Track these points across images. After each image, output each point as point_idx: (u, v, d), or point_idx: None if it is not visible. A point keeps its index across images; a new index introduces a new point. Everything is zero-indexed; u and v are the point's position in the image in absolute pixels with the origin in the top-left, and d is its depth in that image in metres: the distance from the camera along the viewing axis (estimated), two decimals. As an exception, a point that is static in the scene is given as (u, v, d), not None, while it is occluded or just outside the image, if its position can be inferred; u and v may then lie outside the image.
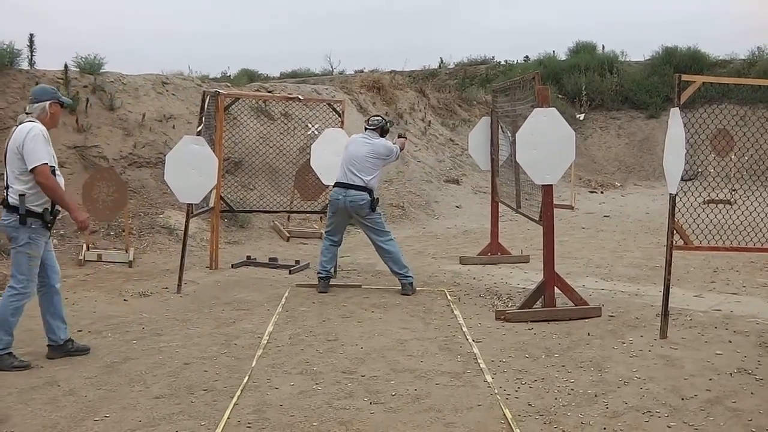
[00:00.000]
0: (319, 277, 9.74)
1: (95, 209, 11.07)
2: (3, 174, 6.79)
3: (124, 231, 11.56)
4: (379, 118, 10.08)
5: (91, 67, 14.93)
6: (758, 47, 28.52)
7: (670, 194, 7.21)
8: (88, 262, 10.84)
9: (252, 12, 78.27)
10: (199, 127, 9.96)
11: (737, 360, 6.55)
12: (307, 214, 14.25)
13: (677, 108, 7.13)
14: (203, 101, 10.34)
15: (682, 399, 5.65)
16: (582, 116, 26.32)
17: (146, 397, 5.80)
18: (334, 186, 9.78)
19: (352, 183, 9.49)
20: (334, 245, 9.88)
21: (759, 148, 9.01)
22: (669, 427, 5.14)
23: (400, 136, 10.77)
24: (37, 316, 8.27)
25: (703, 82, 7.53)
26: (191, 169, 9.42)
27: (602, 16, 73.65)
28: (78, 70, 14.81)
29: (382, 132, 9.87)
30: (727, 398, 5.65)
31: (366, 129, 9.90)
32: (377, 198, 9.70)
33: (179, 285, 9.60)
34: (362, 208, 9.49)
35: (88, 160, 13.11)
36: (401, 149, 10.27)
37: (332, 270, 10.04)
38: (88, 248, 11.06)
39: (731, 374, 6.19)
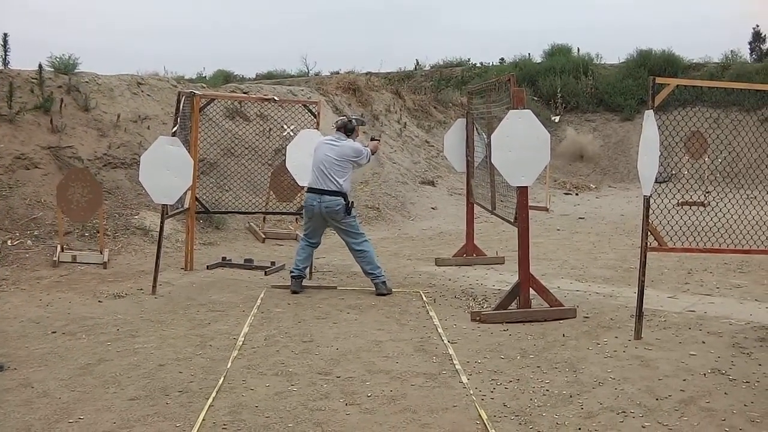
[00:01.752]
0: (291, 276, 9.74)
1: (70, 210, 11.02)
2: None
3: (98, 232, 11.50)
4: (344, 117, 9.99)
5: (65, 67, 14.83)
6: (732, 51, 28.77)
7: (645, 196, 7.24)
8: (62, 263, 10.77)
9: (227, 13, 78.13)
10: (174, 128, 9.93)
11: (711, 360, 6.59)
12: (283, 216, 14.23)
13: (651, 110, 7.16)
14: (178, 102, 10.31)
15: (657, 399, 5.68)
16: (557, 118, 26.42)
17: (121, 398, 5.78)
18: (307, 191, 9.71)
19: (326, 188, 9.42)
20: (310, 245, 9.84)
21: (732, 150, 9.11)
22: (643, 427, 5.17)
23: (373, 139, 10.65)
24: (11, 318, 8.30)
25: (677, 85, 7.57)
26: (166, 170, 9.39)
27: (577, 20, 74.01)
28: (52, 70, 14.72)
29: (347, 131, 9.72)
30: (701, 398, 5.68)
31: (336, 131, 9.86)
32: (352, 201, 9.60)
33: (154, 286, 9.56)
34: (338, 213, 9.43)
35: (63, 160, 13.04)
36: (373, 152, 10.22)
37: (306, 270, 9.94)
38: (62, 249, 10.99)
39: (705, 375, 6.22)
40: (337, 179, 9.42)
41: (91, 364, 6.64)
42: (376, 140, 10.68)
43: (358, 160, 9.68)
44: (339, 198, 9.41)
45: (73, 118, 13.93)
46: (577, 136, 25.65)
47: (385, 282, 9.51)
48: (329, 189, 9.40)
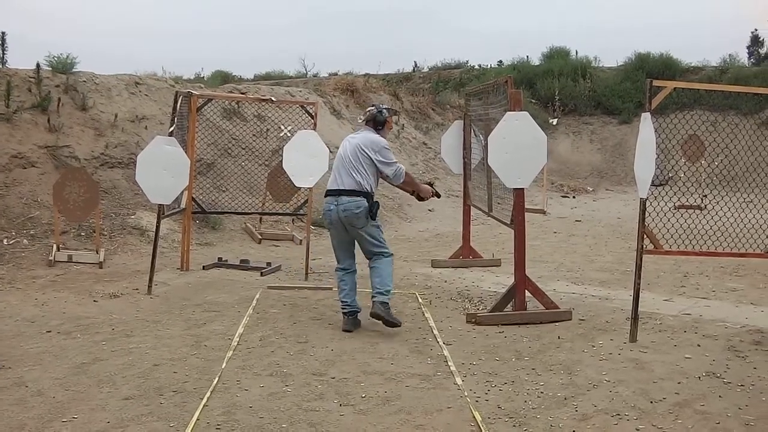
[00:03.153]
0: (343, 312, 8.03)
1: (66, 210, 11.01)
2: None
3: (94, 232, 11.49)
4: (372, 108, 8.19)
5: (63, 67, 14.83)
6: (730, 55, 28.85)
7: (641, 199, 7.25)
8: (58, 263, 10.76)
9: (226, 14, 78.16)
10: (171, 128, 9.92)
11: (706, 364, 6.59)
12: (279, 216, 14.20)
13: (648, 113, 7.17)
14: (176, 102, 10.29)
15: (651, 402, 5.67)
16: (555, 121, 26.44)
17: (115, 398, 5.77)
18: (325, 196, 8.00)
19: (343, 187, 7.76)
20: (347, 273, 8.06)
21: (729, 153, 9.12)
22: (638, 429, 5.16)
23: (430, 184, 8.81)
24: (6, 317, 8.31)
25: (675, 88, 7.58)
26: (163, 169, 9.38)
27: (576, 23, 74.08)
28: (50, 69, 14.72)
29: (376, 124, 8.04)
30: (696, 401, 5.68)
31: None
32: (377, 202, 7.88)
33: (150, 286, 9.55)
34: (358, 218, 7.69)
35: (60, 160, 13.03)
36: (421, 197, 8.62)
37: (355, 302, 8.04)
38: (58, 249, 10.98)
39: (700, 378, 6.22)
40: (356, 175, 7.75)
41: (86, 363, 6.63)
42: (430, 186, 8.73)
43: (377, 156, 7.86)
44: (360, 198, 7.69)
45: (70, 118, 13.93)
46: (571, 152, 25.72)
47: (385, 303, 7.70)
48: (347, 188, 7.75)
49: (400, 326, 7.72)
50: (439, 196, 8.88)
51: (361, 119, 8.26)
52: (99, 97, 14.77)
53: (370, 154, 7.80)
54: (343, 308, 8.01)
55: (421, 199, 8.72)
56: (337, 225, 7.85)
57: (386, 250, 7.94)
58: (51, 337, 7.55)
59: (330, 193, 7.87)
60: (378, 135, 8.01)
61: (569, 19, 78.07)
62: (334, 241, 8.09)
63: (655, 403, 5.66)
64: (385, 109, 8.19)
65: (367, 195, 7.74)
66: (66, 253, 11.02)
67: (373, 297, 7.75)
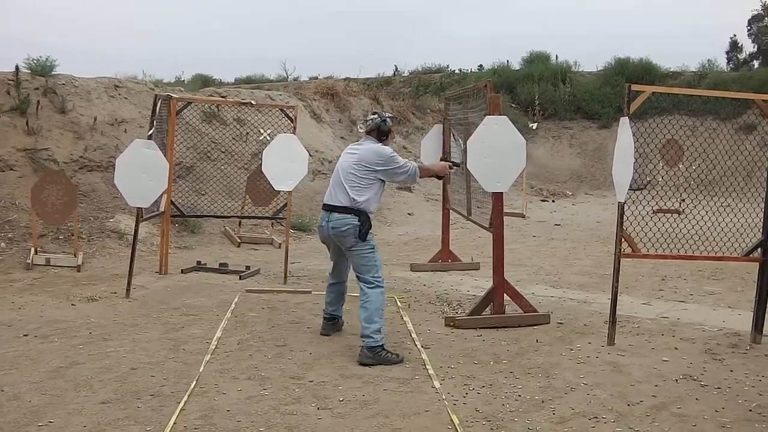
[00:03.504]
0: (323, 317, 7.99)
1: (44, 213, 10.96)
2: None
3: (73, 235, 11.44)
4: (375, 116, 7.64)
5: (42, 69, 14.77)
6: (708, 60, 28.97)
7: (619, 203, 7.27)
8: (36, 266, 10.72)
9: (207, 17, 78.08)
10: (151, 131, 9.89)
11: (683, 366, 6.62)
12: (259, 220, 14.17)
13: (626, 117, 7.19)
14: (155, 105, 10.27)
15: (629, 405, 5.69)
16: (535, 125, 26.47)
17: (92, 402, 5.74)
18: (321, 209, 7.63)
19: (336, 203, 7.28)
20: (336, 284, 7.87)
21: (707, 158, 9.14)
22: (614, 432, 5.19)
23: (446, 160, 8.49)
24: (-17, 320, 8.22)
25: (654, 93, 7.60)
26: (142, 173, 9.35)
27: (556, 27, 74.36)
28: (29, 71, 14.65)
29: (380, 134, 7.52)
30: (673, 404, 5.70)
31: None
32: (369, 223, 7.28)
33: (128, 290, 9.51)
34: (345, 237, 7.19)
35: (38, 163, 12.97)
36: (438, 175, 8.20)
37: (338, 311, 7.95)
38: (36, 252, 10.93)
39: (677, 380, 6.25)
40: (351, 192, 7.21)
41: (63, 367, 6.60)
42: (447, 162, 8.52)
43: (385, 167, 7.35)
44: (349, 216, 7.17)
45: (49, 121, 13.88)
46: (551, 156, 25.79)
47: (374, 348, 6.90)
48: (340, 204, 7.26)
49: (401, 362, 6.88)
50: (457, 165, 8.61)
51: (362, 129, 7.93)
52: (78, 100, 14.71)
53: (376, 168, 7.30)
54: (324, 313, 7.92)
55: (440, 177, 8.34)
56: (328, 241, 7.51)
57: (374, 280, 7.20)
58: (28, 340, 7.50)
59: (324, 207, 7.46)
60: (381, 145, 7.46)
61: (550, 24, 78.33)
62: (329, 253, 7.79)
63: (633, 405, 5.68)
64: (389, 117, 7.62)
65: (360, 212, 7.18)
66: (44, 256, 10.97)
67: (361, 339, 6.99)
